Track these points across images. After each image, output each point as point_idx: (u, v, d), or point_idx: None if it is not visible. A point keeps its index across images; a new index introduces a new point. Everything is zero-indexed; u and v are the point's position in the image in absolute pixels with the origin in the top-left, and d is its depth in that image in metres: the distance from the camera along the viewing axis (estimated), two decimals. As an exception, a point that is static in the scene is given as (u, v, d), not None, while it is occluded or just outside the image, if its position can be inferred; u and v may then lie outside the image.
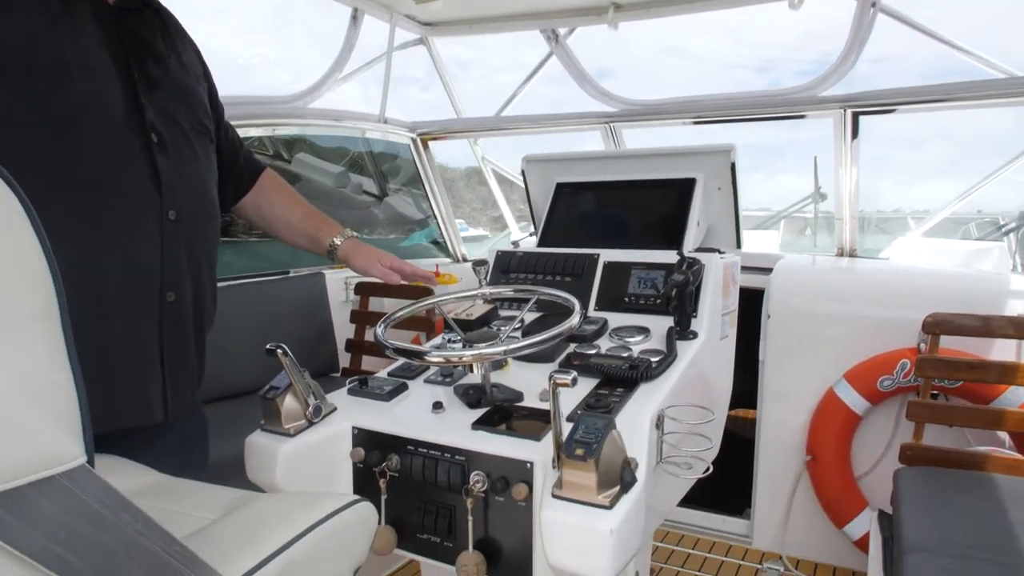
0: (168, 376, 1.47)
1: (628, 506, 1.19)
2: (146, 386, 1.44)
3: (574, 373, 1.20)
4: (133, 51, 1.42)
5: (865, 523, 2.77)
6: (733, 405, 2.30)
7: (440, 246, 4.56)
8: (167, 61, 1.50)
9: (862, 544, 2.77)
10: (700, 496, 2.60)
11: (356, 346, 3.44)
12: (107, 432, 1.34)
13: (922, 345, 2.68)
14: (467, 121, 4.08)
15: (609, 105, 3.70)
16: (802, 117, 3.49)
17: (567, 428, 1.25)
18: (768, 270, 3.15)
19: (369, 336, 3.44)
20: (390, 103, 3.88)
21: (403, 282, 1.90)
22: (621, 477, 1.21)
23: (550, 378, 1.21)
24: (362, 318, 3.46)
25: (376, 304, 3.58)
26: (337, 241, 1.85)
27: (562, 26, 3.57)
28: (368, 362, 3.43)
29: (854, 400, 2.77)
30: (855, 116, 3.27)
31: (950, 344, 2.57)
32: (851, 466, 2.85)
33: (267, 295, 3.16)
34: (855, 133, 3.30)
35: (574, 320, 1.51)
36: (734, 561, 2.99)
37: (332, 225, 1.88)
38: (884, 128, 3.38)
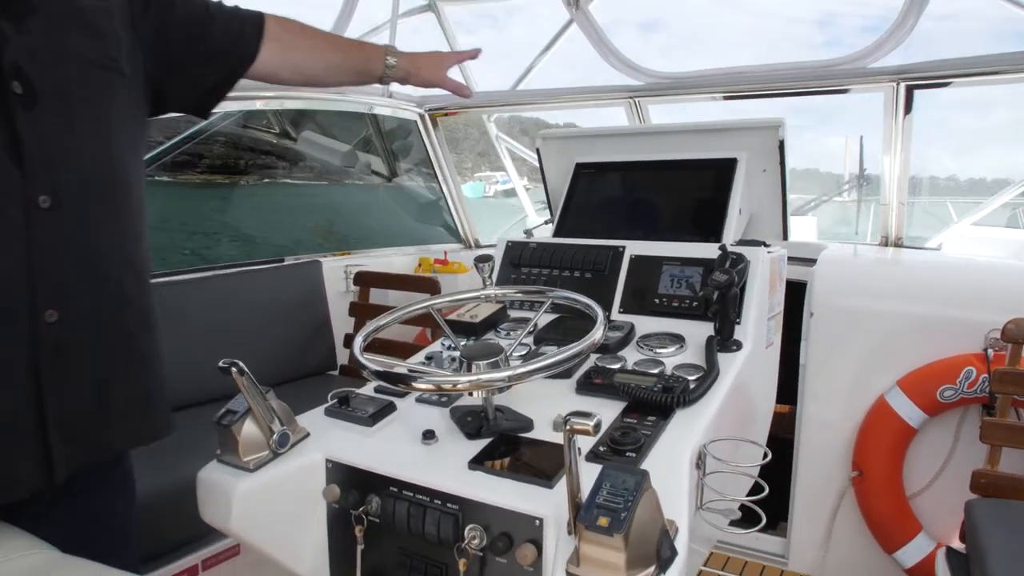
0: (54, 429, 1.07)
1: (667, 592, 0.90)
2: (9, 450, 1.04)
3: (597, 418, 0.90)
4: None
5: (919, 550, 2.46)
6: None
7: (451, 231, 4.27)
8: None
9: (916, 573, 2.47)
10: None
11: (356, 341, 3.16)
12: None
13: (990, 351, 2.36)
14: (480, 96, 3.77)
15: (634, 78, 3.37)
16: (845, 91, 3.15)
17: (587, 481, 0.96)
18: (810, 261, 2.82)
19: (370, 330, 3.17)
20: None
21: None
22: (657, 553, 0.91)
23: (565, 423, 0.92)
24: (362, 311, 3.18)
25: (378, 296, 3.30)
26: (391, 61, 1.57)
27: (584, -14, 3.24)
28: (368, 359, 3.16)
29: (909, 411, 2.45)
30: (909, 90, 2.92)
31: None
32: (903, 485, 2.53)
33: (258, 285, 2.89)
34: (908, 108, 2.95)
35: (597, 335, 1.21)
36: (769, 585, 2.70)
37: (374, 48, 1.60)
38: (946, 93, 3.02)
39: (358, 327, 3.18)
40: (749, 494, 1.83)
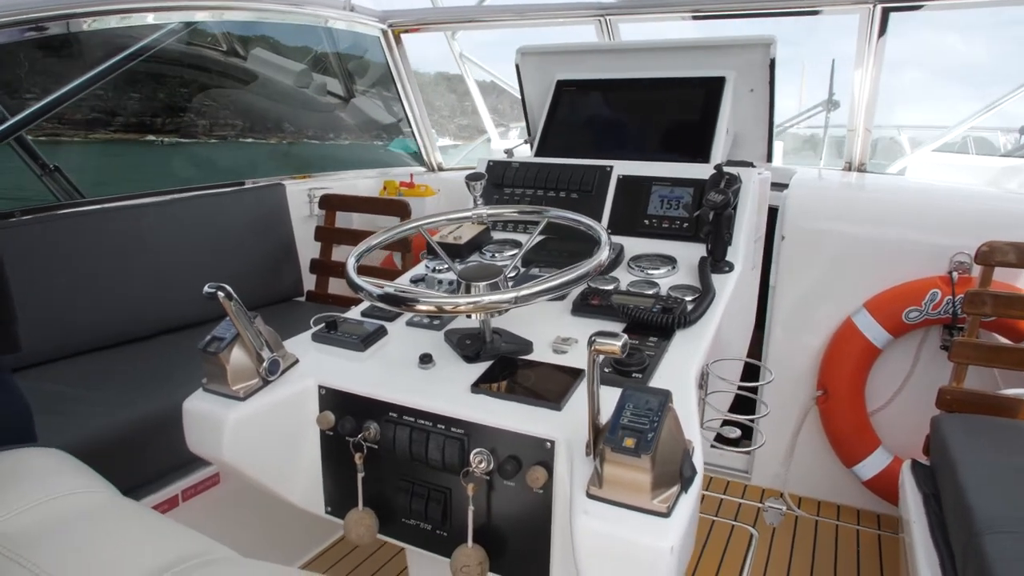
0: None
1: (689, 511, 0.90)
2: None
3: (624, 338, 0.88)
4: None
5: (877, 463, 2.57)
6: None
7: (415, 154, 4.14)
8: None
9: (873, 485, 2.59)
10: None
11: (322, 267, 3.07)
12: None
13: (954, 274, 2.42)
14: (444, 11, 3.60)
15: (606, -6, 3.26)
16: (817, 13, 3.10)
17: (606, 407, 0.94)
18: (782, 185, 2.83)
19: (337, 255, 3.08)
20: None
21: None
22: (680, 472, 0.91)
23: (590, 343, 0.89)
24: (328, 235, 3.08)
25: (344, 219, 3.19)
26: None
27: None
28: (336, 285, 3.07)
29: (875, 332, 2.51)
30: (885, 12, 2.89)
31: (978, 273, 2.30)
32: (865, 402, 2.62)
33: (219, 210, 2.75)
34: (883, 30, 2.93)
35: (603, 255, 1.18)
36: (734, 499, 2.80)
37: None
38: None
39: (324, 252, 3.09)
40: (731, 411, 1.86)
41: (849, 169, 3.31)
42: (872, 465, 2.60)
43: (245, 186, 2.99)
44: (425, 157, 4.08)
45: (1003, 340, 2.36)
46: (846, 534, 2.60)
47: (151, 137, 5.46)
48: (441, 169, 4.15)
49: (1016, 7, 2.75)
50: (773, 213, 2.75)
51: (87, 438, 1.72)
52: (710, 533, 2.58)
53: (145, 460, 1.83)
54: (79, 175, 2.83)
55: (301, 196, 3.21)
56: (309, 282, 3.09)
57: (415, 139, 4.01)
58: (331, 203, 3.08)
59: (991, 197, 2.86)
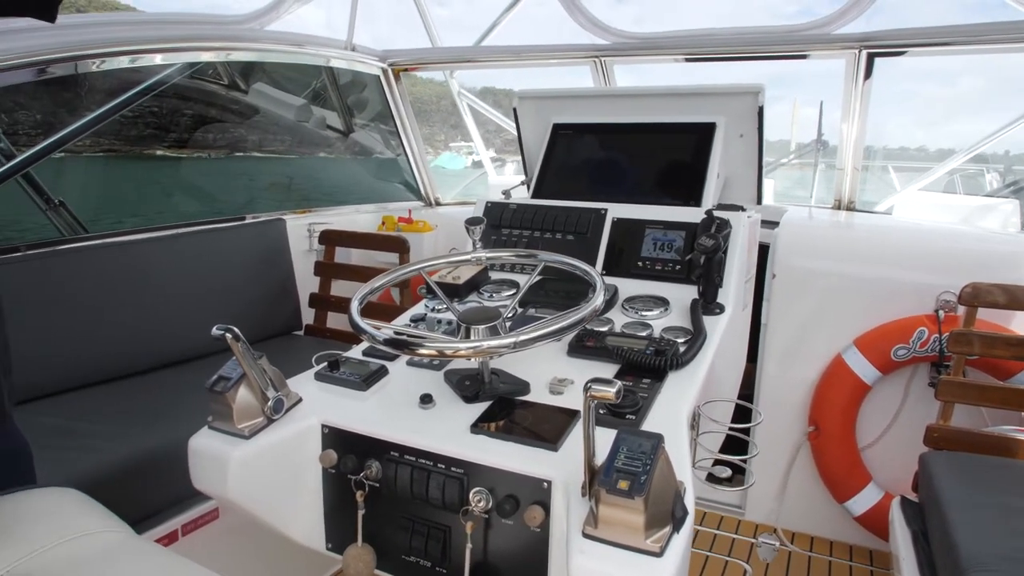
0: None
1: (681, 550, 0.94)
2: None
3: (619, 384, 0.92)
4: None
5: (869, 499, 2.60)
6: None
7: (412, 188, 4.20)
8: None
9: (864, 521, 2.62)
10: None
11: (321, 301, 3.11)
12: None
13: (941, 313, 2.47)
14: (443, 51, 3.69)
15: (601, 37, 3.35)
16: (804, 57, 3.20)
17: (601, 448, 0.98)
18: (772, 224, 2.89)
19: (336, 290, 3.12)
20: (358, 28, 3.46)
21: None
22: (672, 512, 0.95)
23: (586, 389, 0.93)
24: (328, 270, 3.12)
25: (343, 255, 3.24)
26: None
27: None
28: (334, 319, 3.11)
29: (864, 369, 2.56)
30: (870, 57, 2.99)
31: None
32: (856, 438, 2.66)
33: (220, 244, 2.80)
34: (868, 74, 3.02)
35: (598, 301, 1.22)
36: (727, 535, 2.82)
37: None
38: (913, 63, 3.11)
39: (323, 287, 3.13)
40: (723, 450, 1.90)
41: (839, 208, 3.39)
42: (863, 501, 2.63)
43: (246, 221, 3.04)
44: (423, 192, 4.15)
45: (989, 378, 2.41)
46: (839, 570, 2.62)
47: (208, 153, 5.64)
48: (439, 204, 4.21)
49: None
50: (765, 250, 2.81)
51: (88, 473, 1.74)
52: (704, 569, 2.60)
53: (146, 494, 1.85)
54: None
55: (301, 231, 3.26)
56: (308, 316, 3.13)
57: (412, 174, 4.08)
58: (330, 238, 3.13)
59: (976, 237, 2.93)
